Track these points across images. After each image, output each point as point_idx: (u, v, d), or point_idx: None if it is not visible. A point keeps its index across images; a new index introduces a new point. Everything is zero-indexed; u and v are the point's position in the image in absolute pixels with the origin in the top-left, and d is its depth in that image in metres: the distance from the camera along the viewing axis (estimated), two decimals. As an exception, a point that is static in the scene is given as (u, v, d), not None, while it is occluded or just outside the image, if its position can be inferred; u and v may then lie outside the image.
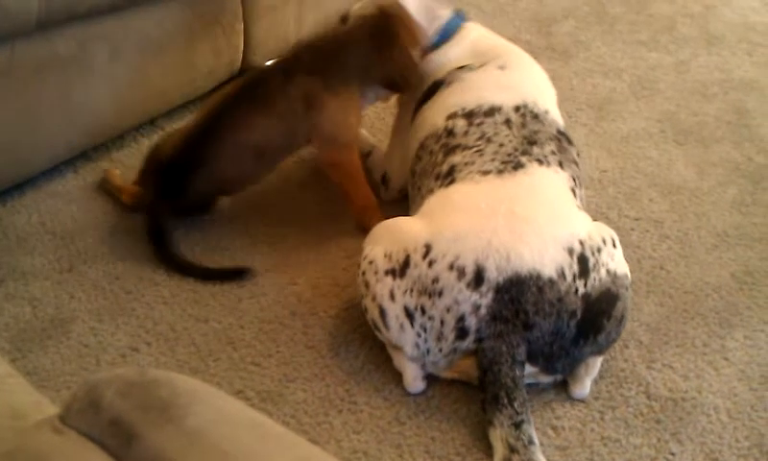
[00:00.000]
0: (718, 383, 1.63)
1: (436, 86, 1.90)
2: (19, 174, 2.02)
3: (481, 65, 1.89)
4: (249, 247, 1.91)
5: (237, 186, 1.96)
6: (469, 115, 1.75)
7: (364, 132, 2.19)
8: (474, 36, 2.02)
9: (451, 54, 1.98)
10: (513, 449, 1.41)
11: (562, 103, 2.47)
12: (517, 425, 1.42)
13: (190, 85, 2.31)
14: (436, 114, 1.82)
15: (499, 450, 1.43)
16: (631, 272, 1.83)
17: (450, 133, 1.74)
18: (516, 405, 1.44)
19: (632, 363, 1.66)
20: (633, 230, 2.00)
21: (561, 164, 1.66)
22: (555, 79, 2.59)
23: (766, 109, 2.48)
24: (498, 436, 1.44)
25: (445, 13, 2.05)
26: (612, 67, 2.68)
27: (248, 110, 1.85)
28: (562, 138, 1.75)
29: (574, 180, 1.68)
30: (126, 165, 2.14)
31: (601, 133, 2.36)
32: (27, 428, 0.76)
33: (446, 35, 2.02)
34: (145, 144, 2.21)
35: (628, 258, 1.61)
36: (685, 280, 1.86)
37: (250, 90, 1.88)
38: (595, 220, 1.63)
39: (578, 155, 1.78)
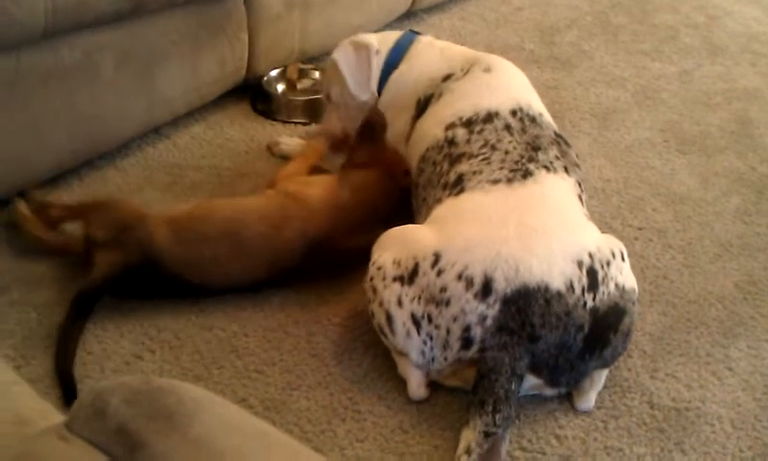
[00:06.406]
0: (722, 393, 1.63)
1: (427, 101, 1.91)
2: (24, 182, 2.03)
3: (466, 72, 1.89)
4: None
5: None
6: (468, 123, 1.76)
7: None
8: (433, 45, 2.03)
9: (418, 67, 1.99)
10: (469, 452, 1.40)
11: (565, 112, 2.49)
12: (487, 435, 1.41)
13: (195, 94, 2.32)
14: (434, 126, 1.82)
15: (459, 448, 1.43)
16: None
17: (452, 142, 1.74)
18: (497, 417, 1.42)
19: (635, 373, 1.66)
20: (636, 239, 2.00)
21: (566, 169, 1.66)
22: (558, 88, 2.61)
23: (769, 119, 2.49)
24: (465, 436, 1.43)
25: (390, 36, 2.07)
26: (616, 77, 2.69)
27: None
28: (560, 141, 1.75)
29: (579, 185, 1.68)
30: (130, 174, 2.15)
31: (604, 142, 2.36)
32: (33, 435, 0.76)
33: (401, 50, 2.04)
34: (150, 153, 2.22)
35: (632, 268, 1.61)
36: (689, 290, 1.86)
37: None
38: (599, 229, 1.63)
39: (577, 156, 1.78)
